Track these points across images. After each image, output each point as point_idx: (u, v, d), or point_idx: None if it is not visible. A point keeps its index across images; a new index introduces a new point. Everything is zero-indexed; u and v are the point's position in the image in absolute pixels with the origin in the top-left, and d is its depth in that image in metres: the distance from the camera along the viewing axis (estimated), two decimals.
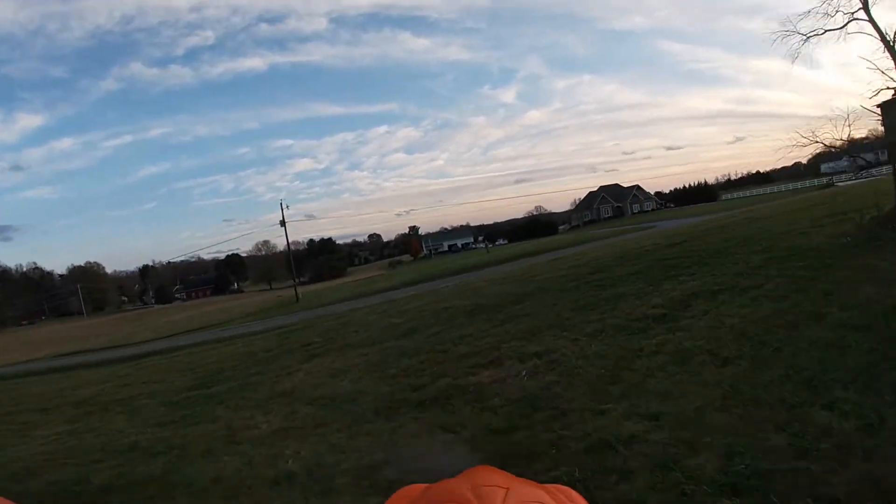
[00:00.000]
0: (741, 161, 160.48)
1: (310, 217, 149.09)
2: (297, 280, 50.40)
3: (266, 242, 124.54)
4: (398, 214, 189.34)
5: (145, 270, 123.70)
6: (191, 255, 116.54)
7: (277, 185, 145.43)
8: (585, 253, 22.83)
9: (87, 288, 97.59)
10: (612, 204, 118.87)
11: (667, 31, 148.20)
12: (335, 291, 46.87)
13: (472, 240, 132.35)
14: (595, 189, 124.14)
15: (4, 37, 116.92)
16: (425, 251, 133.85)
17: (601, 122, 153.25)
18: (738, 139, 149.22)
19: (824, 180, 65.55)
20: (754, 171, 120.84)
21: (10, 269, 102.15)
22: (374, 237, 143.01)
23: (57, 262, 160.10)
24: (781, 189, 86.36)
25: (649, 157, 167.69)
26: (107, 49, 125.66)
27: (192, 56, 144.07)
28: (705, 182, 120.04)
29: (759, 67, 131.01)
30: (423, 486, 0.72)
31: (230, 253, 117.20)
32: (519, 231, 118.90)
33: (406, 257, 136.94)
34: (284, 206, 51.70)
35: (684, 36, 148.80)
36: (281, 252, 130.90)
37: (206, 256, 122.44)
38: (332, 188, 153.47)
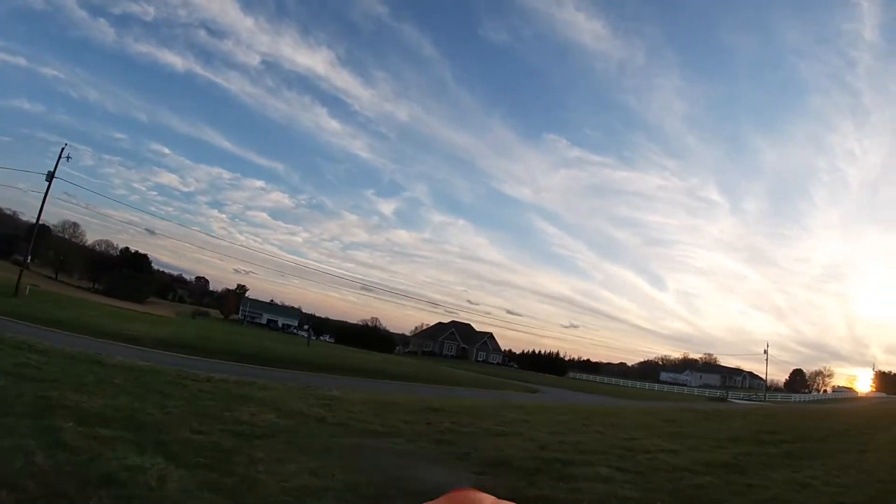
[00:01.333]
0: (570, 345, 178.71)
1: (150, 231, 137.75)
2: (27, 264, 33.26)
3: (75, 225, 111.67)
4: (236, 270, 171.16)
5: None
6: None
7: (135, 185, 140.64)
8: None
9: None
10: (458, 343, 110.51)
11: (546, 211, 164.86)
12: (90, 311, 35.39)
13: (296, 323, 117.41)
14: (446, 322, 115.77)
15: None
16: (241, 315, 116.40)
17: (458, 267, 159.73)
18: (573, 325, 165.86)
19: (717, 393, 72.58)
20: (584, 359, 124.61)
21: None
22: (202, 281, 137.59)
23: None
24: (654, 387, 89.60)
25: (489, 314, 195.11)
26: None
27: (122, 21, 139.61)
28: (557, 354, 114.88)
29: (612, 272, 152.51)
30: None
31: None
32: (350, 334, 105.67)
33: (215, 313, 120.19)
34: (66, 155, 35.06)
35: (559, 221, 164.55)
36: (82, 243, 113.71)
37: None
38: (185, 215, 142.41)
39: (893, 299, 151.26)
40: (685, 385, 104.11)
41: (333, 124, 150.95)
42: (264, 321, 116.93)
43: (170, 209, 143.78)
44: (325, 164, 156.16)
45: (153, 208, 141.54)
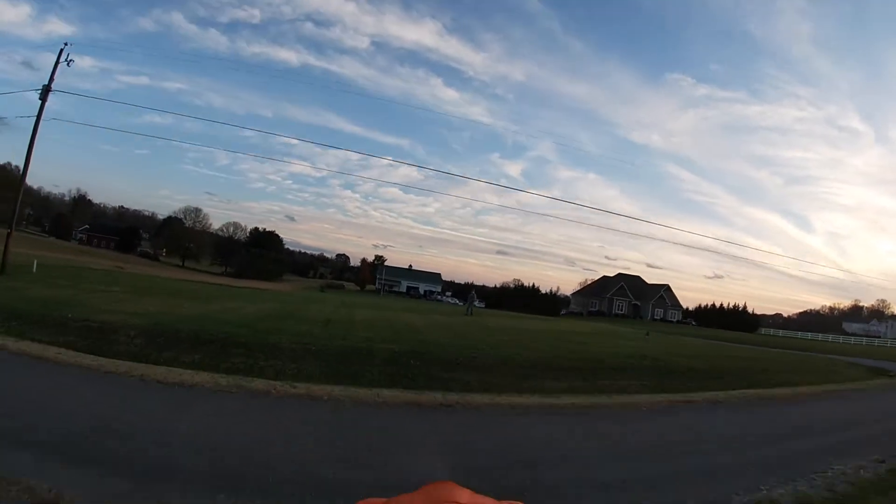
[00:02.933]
0: (713, 297, 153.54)
1: (290, 218, 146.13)
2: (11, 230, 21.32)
3: (197, 210, 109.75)
4: (375, 245, 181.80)
5: (81, 201, 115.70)
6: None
7: (270, 177, 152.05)
8: None
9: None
10: (629, 299, 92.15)
11: (679, 156, 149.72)
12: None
13: (438, 289, 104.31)
14: (611, 276, 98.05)
15: None
16: (378, 285, 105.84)
17: (592, 222, 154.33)
18: (717, 276, 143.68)
19: None
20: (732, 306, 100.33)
21: None
22: (342, 257, 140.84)
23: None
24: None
25: (628, 269, 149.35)
26: None
27: (232, 28, 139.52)
28: (744, 307, 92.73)
29: (754, 216, 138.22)
30: (381, 500, 0.72)
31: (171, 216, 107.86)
32: (502, 297, 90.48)
33: (351, 286, 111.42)
34: (65, 59, 22.72)
35: (694, 166, 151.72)
36: (206, 229, 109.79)
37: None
38: (321, 199, 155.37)
39: None
40: (877, 336, 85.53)
41: (450, 93, 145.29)
42: (403, 289, 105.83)
43: (306, 195, 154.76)
44: (447, 133, 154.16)
45: (290, 196, 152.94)
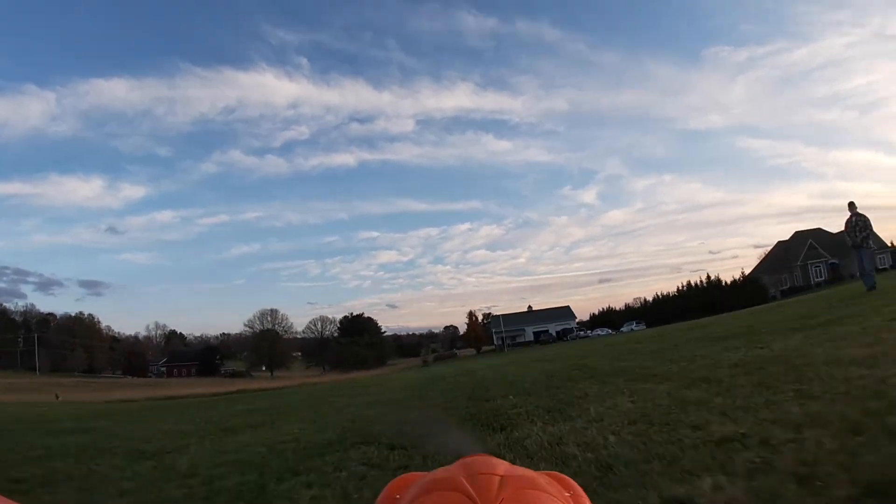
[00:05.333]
0: None
1: (391, 306, 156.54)
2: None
3: (273, 312, 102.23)
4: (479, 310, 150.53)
5: (172, 336, 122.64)
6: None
7: (362, 273, 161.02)
8: None
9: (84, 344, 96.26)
10: (825, 259, 71.64)
11: (744, 127, 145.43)
12: None
13: (573, 324, 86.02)
14: (787, 239, 78.39)
15: (116, 114, 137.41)
16: (497, 341, 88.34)
17: (684, 222, 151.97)
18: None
19: None
20: None
21: None
22: (450, 329, 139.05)
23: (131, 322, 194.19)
24: None
25: (737, 257, 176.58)
26: (209, 135, 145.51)
27: (287, 148, 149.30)
28: None
29: (842, 159, 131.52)
30: (419, 474, 0.74)
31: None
32: (665, 309, 72.19)
33: (468, 351, 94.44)
34: None
35: (762, 131, 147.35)
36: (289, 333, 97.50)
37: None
38: (416, 280, 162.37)
39: None
40: None
41: (504, 144, 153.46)
42: (530, 336, 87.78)
43: (400, 280, 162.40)
44: (513, 183, 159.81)
45: (385, 286, 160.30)
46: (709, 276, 75.33)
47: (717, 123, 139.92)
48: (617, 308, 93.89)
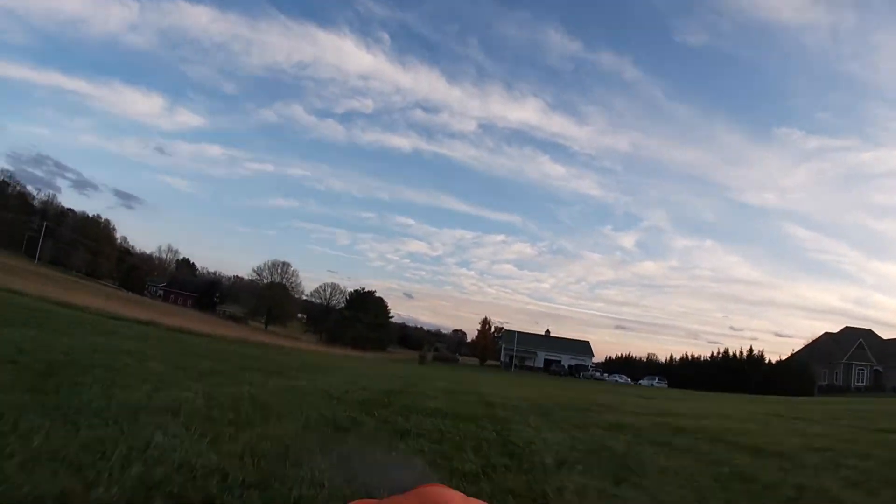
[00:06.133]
0: None
1: (407, 295, 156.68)
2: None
3: (285, 265, 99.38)
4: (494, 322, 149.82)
5: (183, 264, 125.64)
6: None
7: (388, 256, 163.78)
8: None
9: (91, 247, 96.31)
10: (870, 364, 67.68)
11: (796, 214, 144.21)
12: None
13: (590, 364, 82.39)
14: (835, 331, 74.44)
15: (193, 40, 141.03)
16: (504, 358, 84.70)
17: (713, 291, 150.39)
18: None
19: None
20: None
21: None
22: (458, 333, 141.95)
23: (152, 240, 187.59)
24: None
25: (756, 339, 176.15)
26: (276, 84, 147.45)
27: (347, 117, 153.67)
28: None
29: (883, 270, 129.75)
30: (373, 501, 0.72)
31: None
32: (693, 373, 68.80)
33: (470, 360, 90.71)
34: None
35: (812, 223, 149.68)
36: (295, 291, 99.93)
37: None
38: (437, 277, 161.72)
39: None
40: None
41: (558, 169, 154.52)
42: (540, 362, 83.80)
43: (423, 273, 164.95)
44: (557, 208, 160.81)
45: (407, 274, 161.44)
46: (751, 350, 70.71)
47: (770, 203, 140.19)
48: (636, 357, 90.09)
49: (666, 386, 66.24)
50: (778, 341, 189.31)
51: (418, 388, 13.65)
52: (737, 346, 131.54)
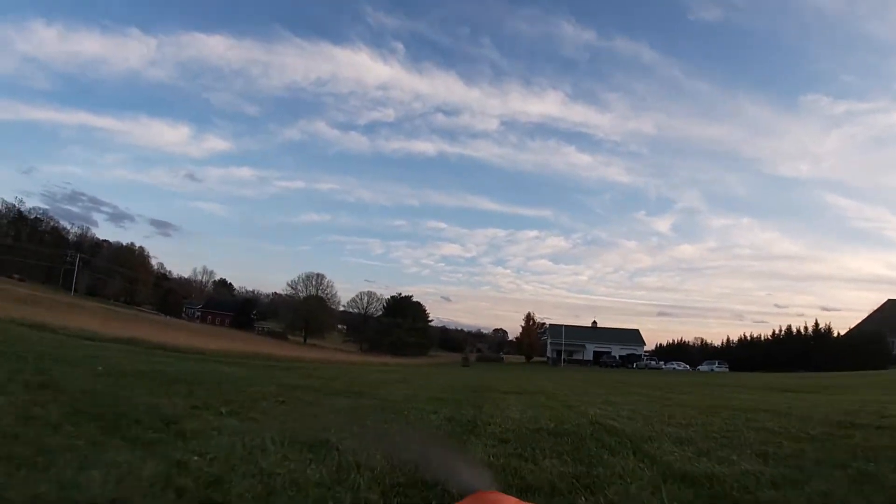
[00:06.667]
0: None
1: (445, 298, 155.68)
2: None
3: (319, 277, 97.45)
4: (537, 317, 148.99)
5: (221, 284, 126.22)
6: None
7: (423, 261, 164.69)
8: None
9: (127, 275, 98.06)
10: None
11: (832, 182, 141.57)
12: None
13: (642, 353, 78.24)
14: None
15: (213, 68, 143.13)
16: (551, 353, 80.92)
17: (755, 270, 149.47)
18: None
19: None
20: None
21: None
22: (500, 332, 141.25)
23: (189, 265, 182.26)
24: None
25: (802, 315, 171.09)
26: (297, 102, 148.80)
27: (370, 128, 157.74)
28: None
29: None
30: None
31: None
32: (754, 353, 64.28)
33: (515, 358, 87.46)
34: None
35: (850, 190, 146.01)
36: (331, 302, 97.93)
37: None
38: (474, 278, 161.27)
39: None
40: None
41: (585, 158, 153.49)
42: (589, 355, 79.90)
43: (459, 275, 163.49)
44: (588, 198, 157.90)
45: (444, 278, 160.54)
46: (816, 324, 66.13)
47: (804, 173, 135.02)
48: (688, 342, 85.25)
49: (727, 370, 62.39)
50: (826, 315, 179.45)
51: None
52: (783, 323, 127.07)
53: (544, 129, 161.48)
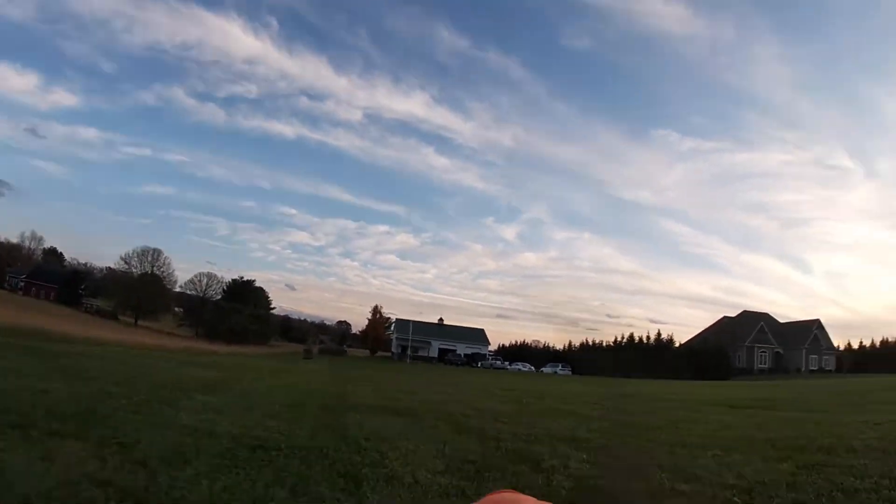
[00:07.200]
0: None
1: (290, 287, 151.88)
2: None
3: (156, 252, 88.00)
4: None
5: (51, 254, 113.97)
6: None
7: (270, 246, 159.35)
8: None
9: None
10: (772, 346, 65.15)
11: (672, 211, 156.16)
12: None
13: (487, 352, 76.99)
14: (733, 315, 72.99)
15: (74, 14, 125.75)
16: (396, 349, 77.63)
17: (592, 281, 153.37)
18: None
19: None
20: None
21: None
22: (343, 325, 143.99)
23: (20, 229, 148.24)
24: None
25: (632, 326, 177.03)
26: (157, 65, 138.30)
27: (230, 102, 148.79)
28: None
29: (753, 263, 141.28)
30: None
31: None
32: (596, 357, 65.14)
33: (359, 351, 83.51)
34: None
35: (686, 219, 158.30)
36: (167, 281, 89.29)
37: None
38: (321, 268, 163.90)
39: None
40: None
41: (442, 161, 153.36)
42: (434, 352, 77.22)
43: (305, 264, 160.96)
44: (441, 200, 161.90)
45: (289, 265, 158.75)
46: (659, 334, 68.45)
47: (646, 199, 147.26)
48: (530, 344, 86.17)
49: (570, 373, 63.65)
50: (651, 326, 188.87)
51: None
52: (614, 332, 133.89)
53: (407, 128, 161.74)
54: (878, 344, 68.15)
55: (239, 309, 79.22)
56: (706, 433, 9.28)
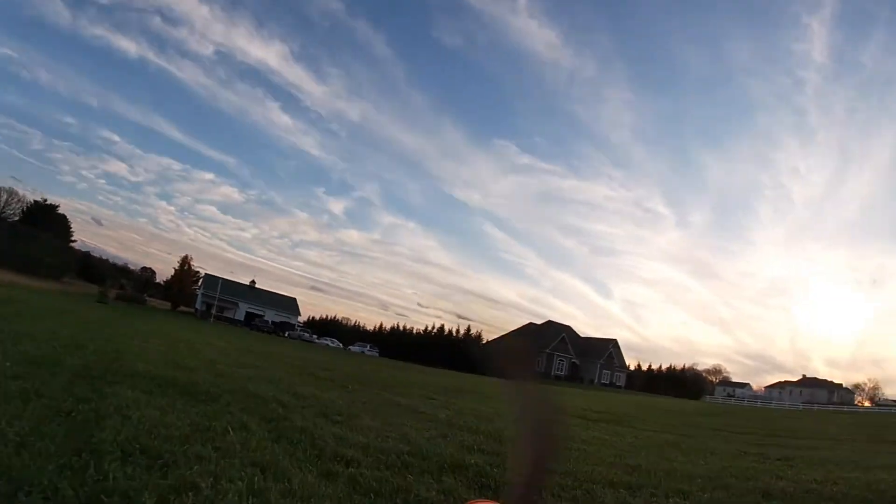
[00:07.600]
0: None
1: (96, 221, 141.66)
2: None
3: None
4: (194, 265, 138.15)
5: None
6: None
7: (83, 172, 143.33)
8: None
9: None
10: (569, 357, 69.79)
11: (495, 217, 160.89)
12: None
13: (298, 322, 73.78)
14: (540, 322, 77.70)
15: None
16: (201, 305, 71.39)
17: (409, 269, 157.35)
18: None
19: None
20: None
21: None
22: (147, 271, 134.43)
23: None
24: None
25: (439, 318, 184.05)
26: None
27: (78, 1, 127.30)
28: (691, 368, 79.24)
29: (559, 279, 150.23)
30: None
31: None
32: (404, 345, 66.10)
33: (160, 303, 75.51)
34: None
35: (507, 227, 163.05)
36: None
37: None
38: (133, 206, 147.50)
39: (834, 314, 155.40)
40: None
41: (285, 119, 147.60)
42: (241, 315, 72.12)
43: (118, 199, 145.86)
44: (275, 159, 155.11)
45: (101, 197, 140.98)
46: (469, 329, 69.47)
47: (475, 201, 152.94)
48: (341, 320, 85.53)
49: (377, 355, 63.23)
50: (459, 322, 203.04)
51: None
52: (421, 320, 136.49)
53: (257, 76, 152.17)
54: (664, 369, 77.60)
55: (36, 235, 67.51)
56: None
